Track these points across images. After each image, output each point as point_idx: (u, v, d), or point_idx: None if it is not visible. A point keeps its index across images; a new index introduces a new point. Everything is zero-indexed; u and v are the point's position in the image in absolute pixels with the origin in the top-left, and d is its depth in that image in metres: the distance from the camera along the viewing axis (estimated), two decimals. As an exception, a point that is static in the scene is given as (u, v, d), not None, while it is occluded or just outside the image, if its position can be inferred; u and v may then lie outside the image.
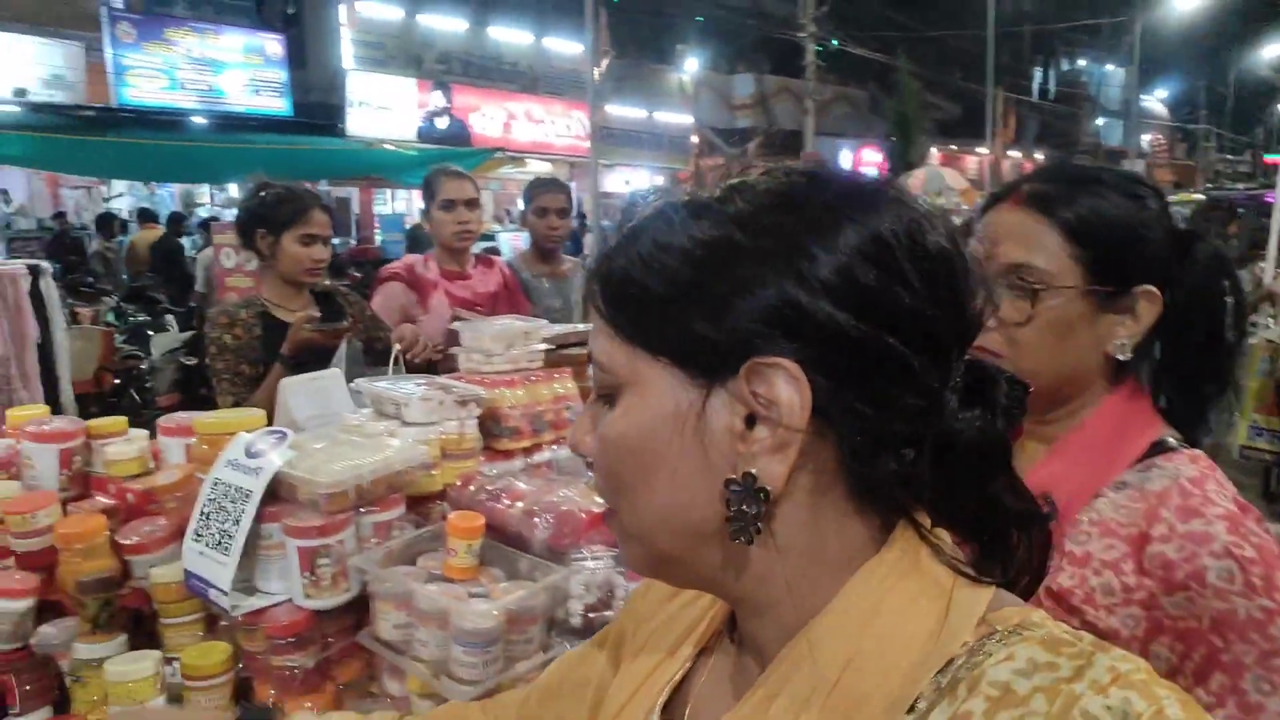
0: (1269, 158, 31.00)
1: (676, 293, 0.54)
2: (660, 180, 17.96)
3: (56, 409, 4.15)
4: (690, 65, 20.65)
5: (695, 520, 0.56)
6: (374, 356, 2.54)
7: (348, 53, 14.37)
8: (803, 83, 18.59)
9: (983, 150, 22.20)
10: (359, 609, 1.39)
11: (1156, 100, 35.99)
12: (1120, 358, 1.07)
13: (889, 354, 0.52)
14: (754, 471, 0.53)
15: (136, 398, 6.53)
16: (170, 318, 7.76)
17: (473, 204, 2.96)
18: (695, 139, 20.18)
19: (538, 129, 17.00)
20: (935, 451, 0.55)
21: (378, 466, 1.37)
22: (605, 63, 14.67)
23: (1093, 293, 1.04)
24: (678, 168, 19.83)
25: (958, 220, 0.70)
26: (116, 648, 1.36)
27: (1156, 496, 1.00)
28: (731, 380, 0.53)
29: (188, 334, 6.98)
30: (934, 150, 23.84)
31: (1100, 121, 34.09)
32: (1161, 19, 25.76)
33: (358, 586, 1.35)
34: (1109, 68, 33.95)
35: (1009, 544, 0.58)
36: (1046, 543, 0.59)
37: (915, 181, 18.67)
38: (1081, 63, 34.16)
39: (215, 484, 1.38)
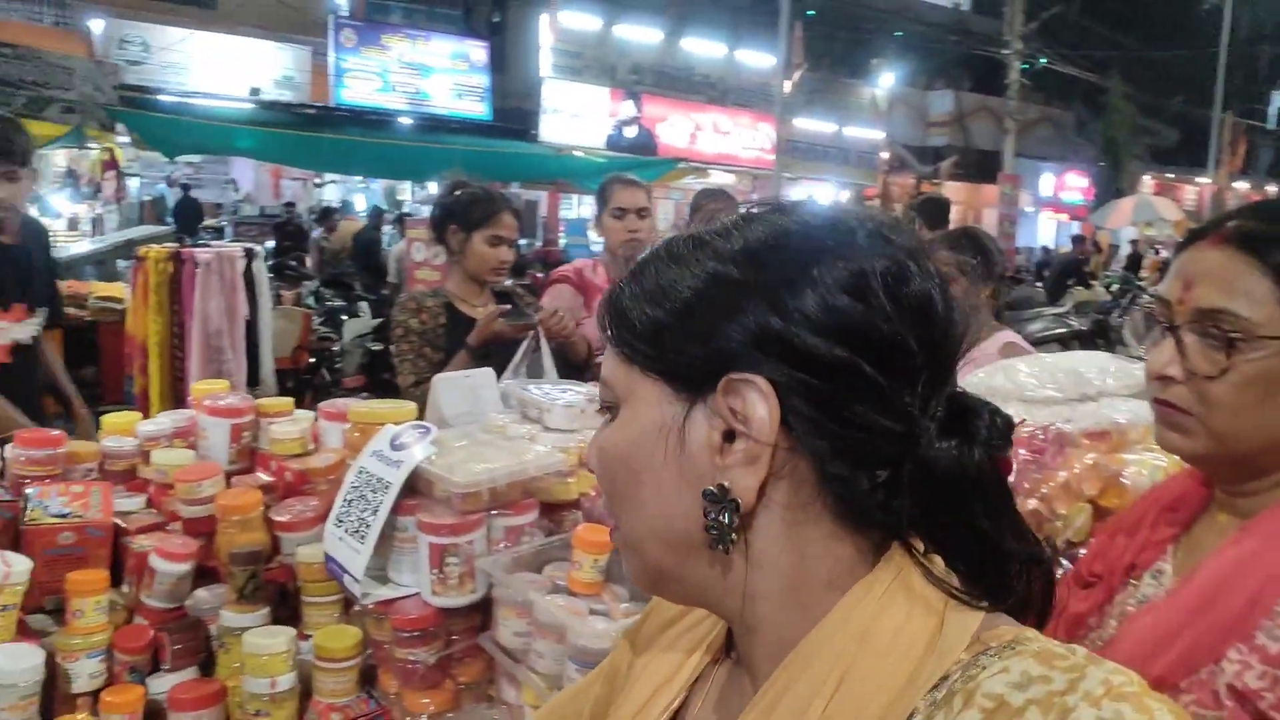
0: None
1: (670, 319, 0.59)
2: (846, 195, 17.59)
3: (257, 382, 4.50)
4: (885, 80, 20.11)
5: (680, 531, 0.59)
6: (563, 361, 2.55)
7: (546, 61, 14.88)
8: (1004, 101, 17.71)
9: (1204, 180, 20.42)
10: (485, 610, 1.39)
11: None
12: None
13: (859, 376, 0.54)
14: (727, 484, 0.56)
15: (326, 377, 6.97)
16: (363, 304, 8.26)
17: (644, 213, 2.96)
18: (885, 155, 19.64)
19: (723, 140, 17.03)
20: (915, 478, 0.56)
21: (513, 470, 1.37)
22: (797, 75, 14.52)
23: None
24: (864, 184, 19.39)
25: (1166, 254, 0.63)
26: (259, 619, 1.42)
27: None
28: (711, 396, 0.57)
29: (377, 321, 7.40)
30: (1147, 178, 22.20)
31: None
32: None
33: (484, 588, 1.35)
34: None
35: (1007, 578, 0.58)
36: (1049, 586, 0.60)
37: (1123, 210, 17.45)
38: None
39: (360, 472, 1.42)
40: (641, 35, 16.24)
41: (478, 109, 14.83)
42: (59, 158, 11.21)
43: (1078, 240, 14.93)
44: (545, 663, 1.22)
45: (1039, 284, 11.29)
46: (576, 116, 14.98)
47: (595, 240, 10.62)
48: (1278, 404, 0.90)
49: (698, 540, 0.58)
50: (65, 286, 7.22)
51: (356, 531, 1.36)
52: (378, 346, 6.82)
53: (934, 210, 5.29)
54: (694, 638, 0.71)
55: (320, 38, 13.88)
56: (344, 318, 7.70)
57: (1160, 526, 1.07)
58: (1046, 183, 22.50)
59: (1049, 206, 23.27)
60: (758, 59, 17.25)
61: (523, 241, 14.40)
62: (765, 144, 16.68)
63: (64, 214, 11.61)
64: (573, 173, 13.35)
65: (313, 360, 7.06)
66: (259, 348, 5.06)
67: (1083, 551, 1.36)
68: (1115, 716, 0.46)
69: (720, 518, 0.56)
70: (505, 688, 1.33)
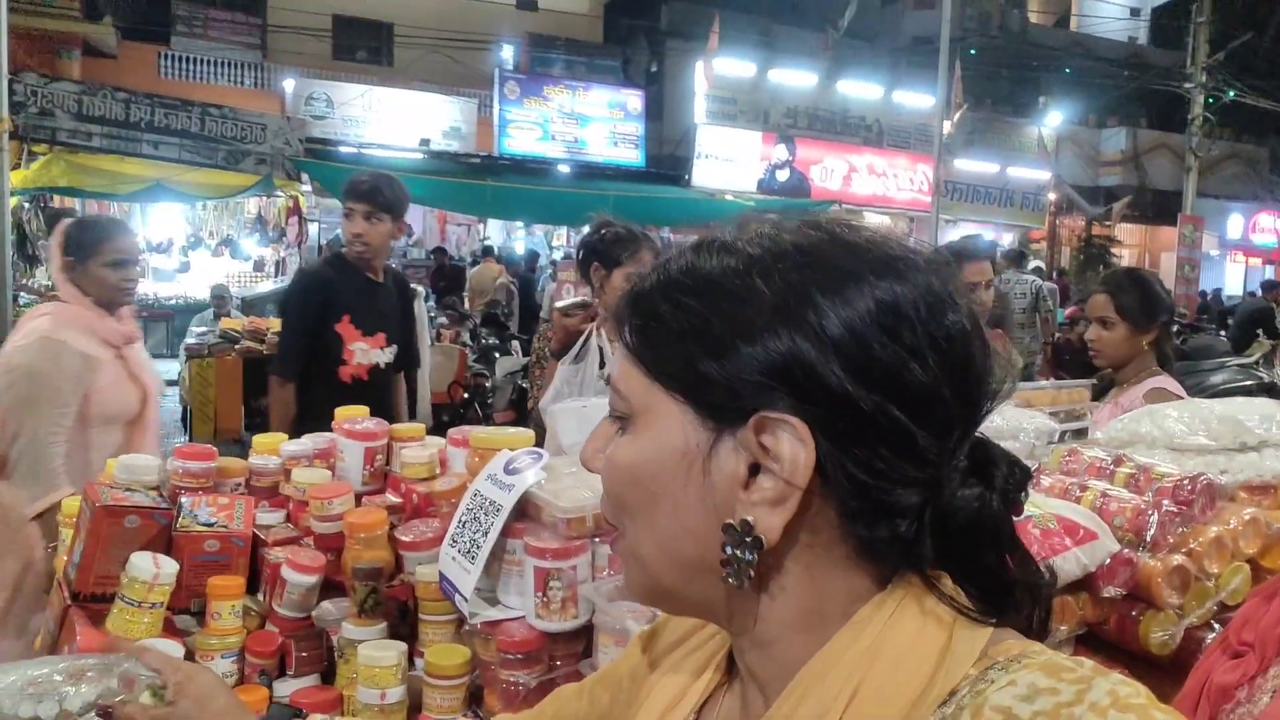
0: None
1: (690, 331, 0.57)
2: (1008, 238, 16.91)
3: (415, 414, 4.74)
4: (1052, 119, 19.31)
5: (693, 554, 0.58)
6: None
7: (700, 107, 15.12)
8: (1186, 138, 16.63)
9: None
10: (588, 638, 1.40)
11: None
12: None
13: (895, 427, 0.53)
14: (751, 520, 0.55)
15: (479, 411, 7.26)
16: (515, 343, 8.57)
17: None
18: (1052, 196, 18.79)
19: (879, 182, 16.75)
20: (934, 524, 0.55)
21: (617, 498, 1.38)
22: (957, 115, 14.15)
23: None
24: (1029, 225, 18.59)
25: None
26: (376, 634, 1.48)
27: None
28: (741, 428, 0.55)
29: (528, 359, 7.65)
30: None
31: None
32: None
33: (586, 615, 1.36)
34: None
35: (1013, 600, 0.58)
36: (1047, 610, 0.61)
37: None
38: None
39: (474, 495, 1.47)
40: (796, 79, 16.26)
41: (632, 156, 15.22)
42: (250, 205, 12.24)
43: (1269, 286, 13.74)
44: (640, 692, 1.22)
45: (1222, 333, 10.45)
46: (729, 161, 15.11)
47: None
48: None
49: (709, 564, 0.57)
50: (248, 322, 7.87)
51: (468, 552, 1.40)
52: (526, 383, 7.05)
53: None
54: (703, 656, 0.70)
55: (487, 90, 14.63)
56: (497, 355, 8.00)
57: None
58: (1235, 224, 20.90)
59: (1239, 250, 21.59)
60: (916, 99, 16.93)
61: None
62: (923, 185, 16.28)
63: (253, 256, 12.63)
64: (723, 216, 13.46)
65: (466, 395, 7.37)
66: (417, 382, 5.34)
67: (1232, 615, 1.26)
68: None
69: (739, 553, 0.55)
70: (604, 716, 1.33)
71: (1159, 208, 18.91)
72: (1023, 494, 0.58)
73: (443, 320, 8.83)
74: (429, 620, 1.52)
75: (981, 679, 0.52)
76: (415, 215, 15.26)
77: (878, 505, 0.54)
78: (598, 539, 1.38)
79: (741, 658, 0.64)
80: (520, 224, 16.18)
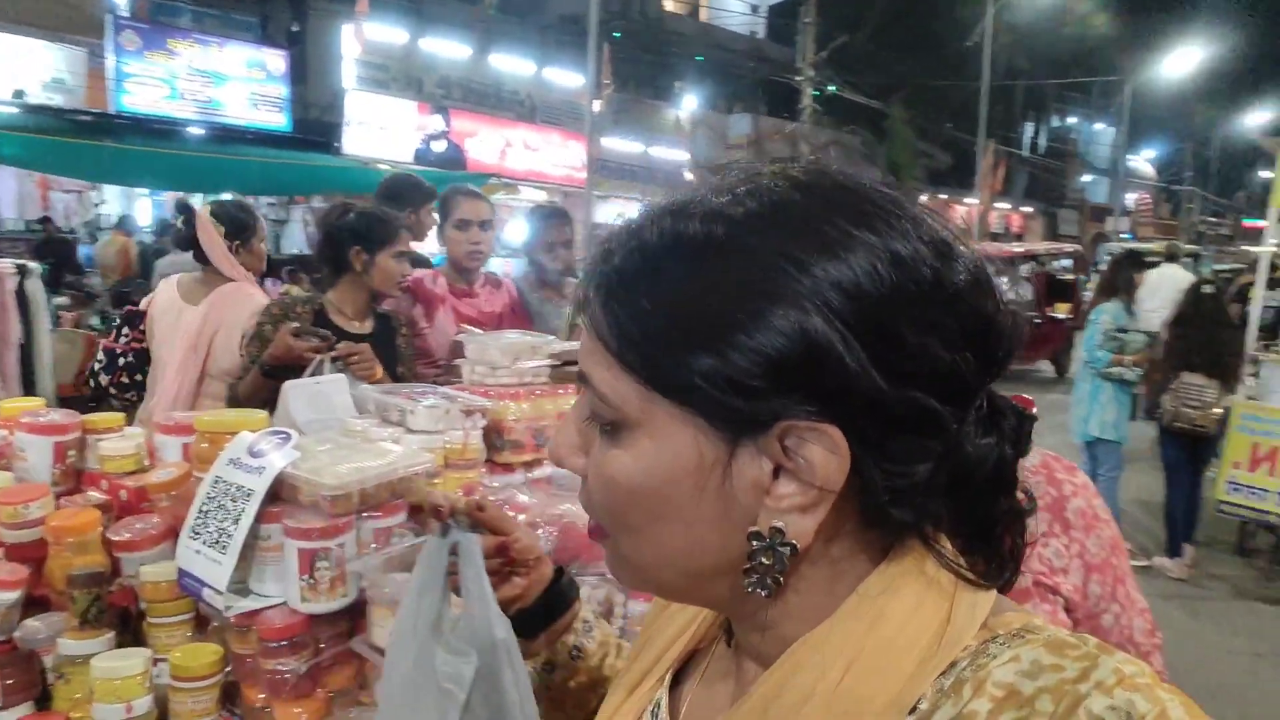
0: (1248, 222, 31.53)
1: (713, 350, 0.50)
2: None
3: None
4: (688, 103, 20.86)
5: (705, 564, 0.55)
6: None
7: (349, 72, 14.42)
8: (798, 125, 18.81)
9: (971, 200, 22.47)
10: (351, 616, 1.38)
11: (1143, 160, 36.66)
12: None
13: (923, 412, 0.51)
14: (781, 526, 0.51)
15: (115, 404, 6.44)
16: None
17: (486, 225, 3.03)
18: (689, 175, 20.34)
19: (533, 157, 17.08)
20: (950, 483, 0.53)
21: (382, 470, 1.36)
22: (605, 95, 14.81)
23: None
24: (671, 202, 19.95)
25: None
26: (104, 644, 1.34)
27: (1043, 465, 1.19)
28: (762, 436, 0.51)
29: (174, 342, 6.91)
30: (924, 198, 24.07)
31: (1087, 178, 34.64)
32: (1150, 82, 26.30)
33: (355, 592, 1.33)
34: (1098, 126, 34.59)
35: (1000, 543, 0.57)
36: (1023, 536, 0.59)
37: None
38: (1072, 120, 34.76)
39: (216, 482, 1.37)
40: (449, 50, 16.05)
41: (276, 119, 14.14)
42: None
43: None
44: (426, 658, 1.23)
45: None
46: (382, 129, 14.58)
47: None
48: None
49: (722, 570, 0.55)
50: None
51: (217, 543, 1.31)
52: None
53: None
54: (685, 617, 0.70)
55: (97, 39, 12.83)
56: (136, 339, 7.14)
57: None
58: (837, 202, 23.93)
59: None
60: (566, 78, 17.45)
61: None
62: (575, 162, 16.86)
63: None
64: (376, 186, 12.99)
65: (96, 386, 6.51)
66: (35, 375, 4.64)
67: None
68: (1127, 706, 0.46)
69: (768, 561, 0.52)
70: (379, 688, 1.32)
71: (778, 187, 21.16)
72: (1028, 445, 0.57)
73: (62, 302, 7.70)
74: (161, 623, 1.40)
75: (982, 652, 0.51)
76: (7, 180, 13.06)
77: (901, 487, 0.52)
78: (363, 514, 1.35)
79: (743, 636, 0.62)
80: (146, 191, 14.46)
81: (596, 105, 14.50)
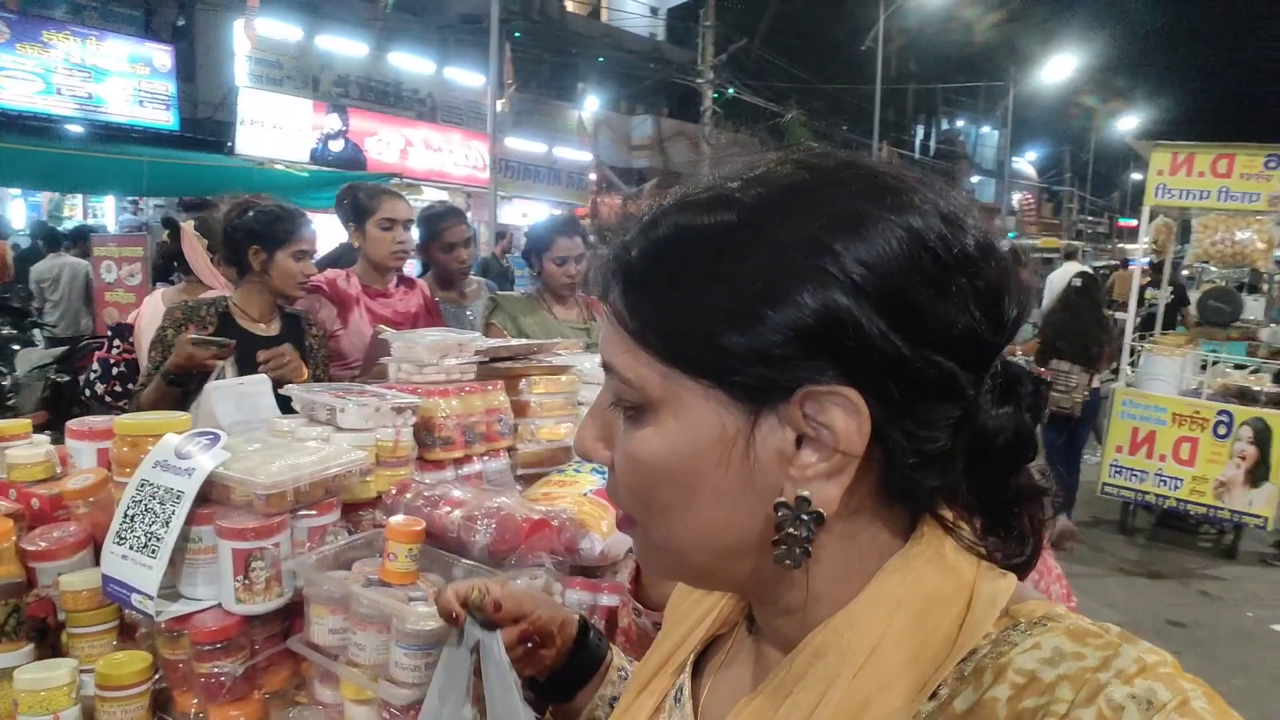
0: (1123, 221, 33.46)
1: (728, 321, 0.51)
2: (558, 214, 18.00)
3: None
4: (590, 104, 20.89)
5: (732, 540, 0.55)
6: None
7: (241, 69, 13.96)
8: (699, 127, 19.06)
9: (867, 201, 23.08)
10: (286, 616, 1.36)
11: (1027, 162, 38.47)
12: None
13: (940, 373, 0.51)
14: (807, 495, 0.52)
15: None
16: (37, 332, 7.33)
17: (409, 224, 3.00)
18: (593, 176, 20.38)
19: (435, 157, 16.84)
20: (969, 453, 0.54)
21: (315, 468, 1.35)
22: (507, 95, 14.72)
23: None
24: (575, 203, 19.98)
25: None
26: (24, 657, 1.30)
27: None
28: (782, 405, 0.51)
29: (60, 349, 6.60)
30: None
31: (976, 179, 36.10)
32: (1033, 87, 27.65)
33: (290, 591, 1.32)
34: (985, 129, 36.07)
35: (1019, 520, 0.58)
36: (1042, 512, 0.59)
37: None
38: (960, 123, 36.17)
39: (142, 485, 1.33)
40: (346, 47, 15.68)
41: (163, 118, 13.58)
42: None
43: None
44: (367, 654, 1.23)
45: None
46: (277, 128, 14.16)
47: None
48: None
49: (750, 546, 0.55)
50: None
51: (145, 547, 1.28)
52: (65, 378, 6.09)
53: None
54: (709, 602, 0.71)
55: (-38, 30, 12.10)
56: (15, 347, 6.78)
57: None
58: (739, 202, 24.34)
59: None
60: (467, 77, 17.27)
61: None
62: (478, 162, 16.70)
63: None
64: (274, 187, 12.55)
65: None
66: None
67: None
68: (1148, 694, 0.45)
69: (796, 530, 0.52)
70: (319, 688, 1.31)
71: (681, 188, 21.39)
72: (1044, 407, 0.58)
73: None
74: (82, 633, 1.36)
75: (1002, 640, 0.51)
76: None
77: (921, 453, 0.53)
78: (298, 513, 1.34)
79: (765, 621, 0.62)
80: (17, 191, 13.71)
81: (499, 105, 14.40)
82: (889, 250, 0.50)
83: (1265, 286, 9.77)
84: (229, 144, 13.66)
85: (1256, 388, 5.85)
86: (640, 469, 0.56)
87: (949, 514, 0.57)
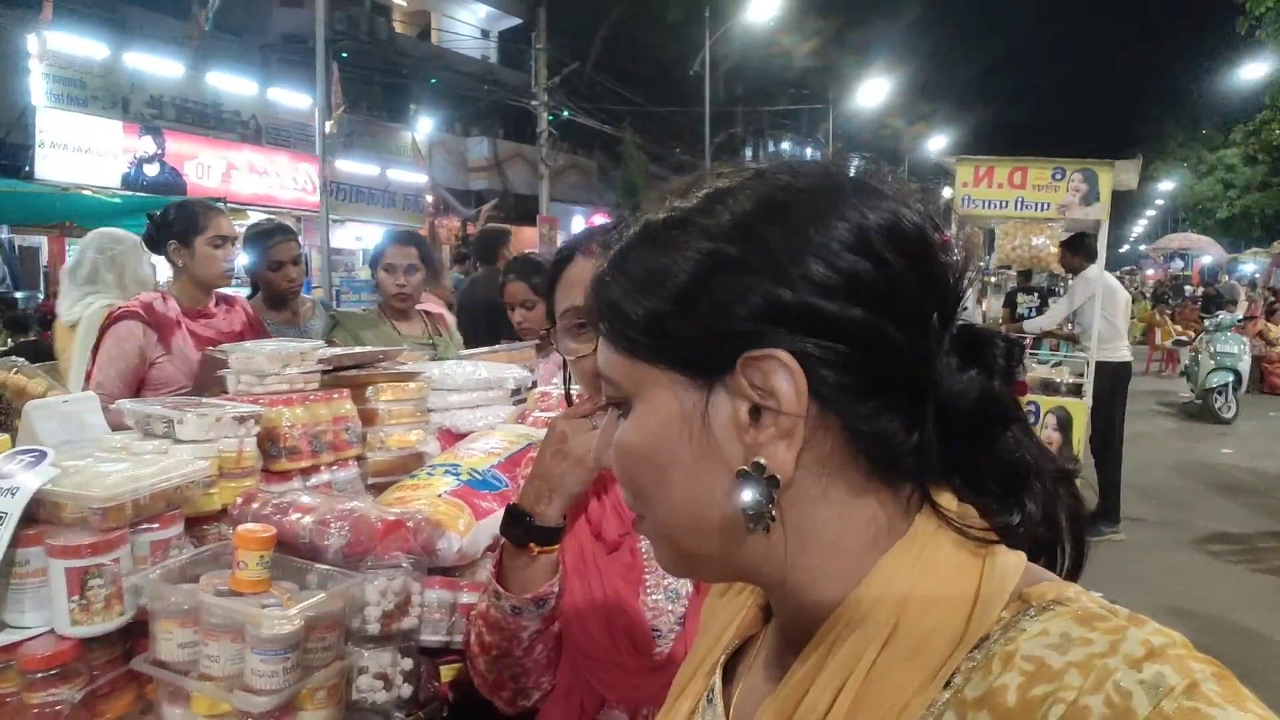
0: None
1: (670, 308, 0.57)
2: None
3: None
4: (424, 125, 20.58)
5: (715, 518, 0.58)
6: None
7: (39, 88, 12.96)
8: (536, 149, 19.12)
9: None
10: (129, 636, 1.31)
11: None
12: None
13: (876, 331, 0.54)
14: (762, 461, 0.55)
15: None
16: None
17: (235, 242, 2.91)
18: (429, 198, 20.06)
19: (261, 180, 16.13)
20: (940, 418, 0.56)
21: (156, 480, 1.30)
22: (336, 116, 14.29)
23: None
24: (411, 225, 19.61)
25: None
26: None
27: None
28: (730, 376, 0.55)
29: None
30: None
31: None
32: (853, 110, 29.35)
33: (133, 609, 1.27)
34: (809, 150, 37.86)
35: (1021, 493, 0.59)
36: (1078, 502, 0.60)
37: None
38: (785, 145, 37.82)
39: (-43, 510, 1.25)
40: (159, 67, 14.81)
41: (-53, 140, 12.47)
42: None
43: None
44: (220, 665, 1.20)
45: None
46: (84, 151, 13.20)
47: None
48: None
49: (733, 522, 0.57)
50: None
51: (-36, 573, 1.20)
52: None
53: (490, 243, 5.55)
54: (746, 595, 0.73)
55: None
56: None
57: None
58: (577, 224, 24.57)
59: (585, 244, 25.37)
60: (292, 98, 16.68)
61: (20, 295, 12.37)
62: (308, 185, 16.14)
63: None
64: (83, 214, 11.72)
65: None
66: None
67: None
68: (1156, 679, 0.45)
69: (757, 495, 0.55)
70: (168, 708, 1.26)
71: (520, 210, 21.39)
72: (1020, 366, 0.59)
73: None
74: (-110, 675, 1.25)
75: (1013, 625, 0.52)
76: None
77: (879, 410, 0.55)
78: (138, 527, 1.29)
79: (780, 610, 0.65)
80: None
81: (328, 126, 13.97)
82: (837, 238, 0.55)
83: (1060, 288, 10.70)
84: (26, 167, 12.66)
85: (1058, 380, 6.40)
86: (622, 456, 0.61)
87: (951, 495, 0.59)
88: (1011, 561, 0.55)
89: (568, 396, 1.33)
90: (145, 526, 1.30)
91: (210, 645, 1.20)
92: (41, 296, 13.11)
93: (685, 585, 1.22)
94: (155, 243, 2.94)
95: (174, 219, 2.88)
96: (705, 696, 0.70)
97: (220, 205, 3.42)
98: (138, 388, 2.68)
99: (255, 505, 1.43)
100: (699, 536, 0.59)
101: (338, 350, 1.94)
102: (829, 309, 0.53)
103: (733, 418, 0.55)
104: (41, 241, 13.99)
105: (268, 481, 1.62)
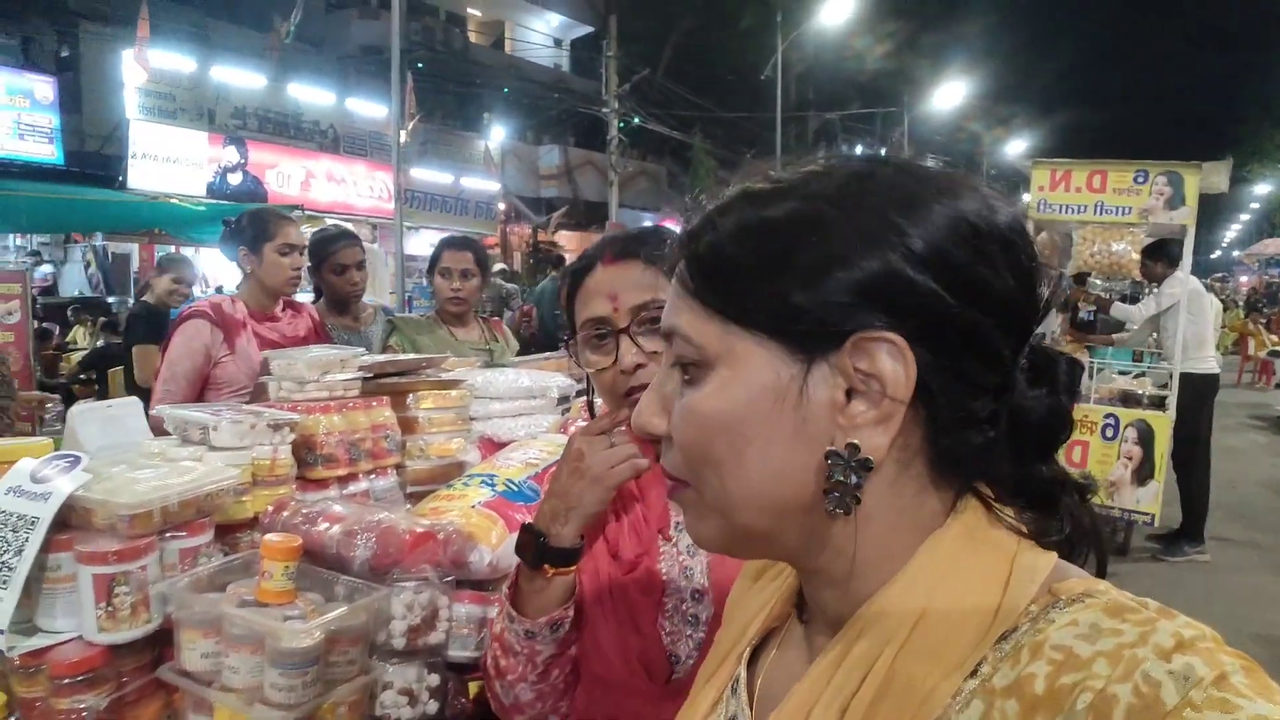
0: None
1: (771, 265, 0.55)
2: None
3: None
4: (496, 134, 20.86)
5: (785, 495, 0.56)
6: None
7: (132, 101, 13.50)
8: (606, 156, 19.21)
9: (773, 225, 23.61)
10: (157, 644, 1.31)
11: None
12: None
13: (981, 331, 0.54)
14: (856, 443, 0.54)
15: None
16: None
17: (303, 251, 2.99)
18: (502, 206, 20.31)
19: (339, 189, 16.55)
20: (1011, 428, 0.57)
21: (186, 488, 1.30)
22: (411, 125, 14.58)
23: None
24: (484, 233, 19.87)
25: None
26: None
27: None
28: (834, 354, 0.54)
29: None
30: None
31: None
32: (927, 114, 28.76)
33: (160, 617, 1.26)
34: (883, 154, 37.29)
35: (1057, 502, 0.59)
36: (1095, 518, 0.60)
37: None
38: (859, 149, 37.32)
39: (-7, 513, 1.26)
40: (242, 79, 15.31)
41: (46, 151, 13.04)
42: None
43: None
44: (241, 676, 1.18)
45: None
46: (173, 162, 13.72)
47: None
48: None
49: (804, 503, 0.56)
50: None
51: (-4, 577, 1.21)
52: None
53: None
54: (779, 585, 0.72)
55: None
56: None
57: None
58: (648, 230, 24.66)
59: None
60: (369, 108, 17.06)
61: (112, 300, 12.90)
62: (383, 193, 16.49)
63: None
64: (170, 222, 12.17)
65: None
66: None
67: None
68: (1185, 670, 0.45)
69: (846, 478, 0.54)
70: (192, 717, 1.25)
71: (590, 216, 21.54)
72: (1079, 390, 0.60)
73: None
74: (-74, 675, 1.27)
75: (1042, 617, 0.52)
76: None
77: (963, 415, 0.55)
78: (167, 535, 1.29)
79: (814, 597, 0.64)
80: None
81: (403, 136, 14.25)
82: (939, 223, 0.54)
83: (1144, 296, 10.29)
84: (120, 178, 13.18)
85: (1139, 391, 6.13)
86: (697, 421, 0.58)
87: (990, 493, 0.59)
88: (1041, 558, 0.56)
89: (590, 409, 1.28)
90: (174, 534, 1.30)
91: (231, 656, 1.19)
92: (131, 300, 13.65)
93: (705, 611, 1.16)
94: (228, 248, 3.02)
95: (245, 226, 2.95)
96: (730, 685, 0.70)
97: (292, 214, 3.50)
98: (202, 386, 2.75)
99: (286, 514, 1.42)
100: (763, 513, 0.57)
101: (379, 358, 1.93)
102: (952, 305, 0.53)
103: (830, 397, 0.54)
104: (133, 249, 14.56)
105: (304, 489, 1.61)
